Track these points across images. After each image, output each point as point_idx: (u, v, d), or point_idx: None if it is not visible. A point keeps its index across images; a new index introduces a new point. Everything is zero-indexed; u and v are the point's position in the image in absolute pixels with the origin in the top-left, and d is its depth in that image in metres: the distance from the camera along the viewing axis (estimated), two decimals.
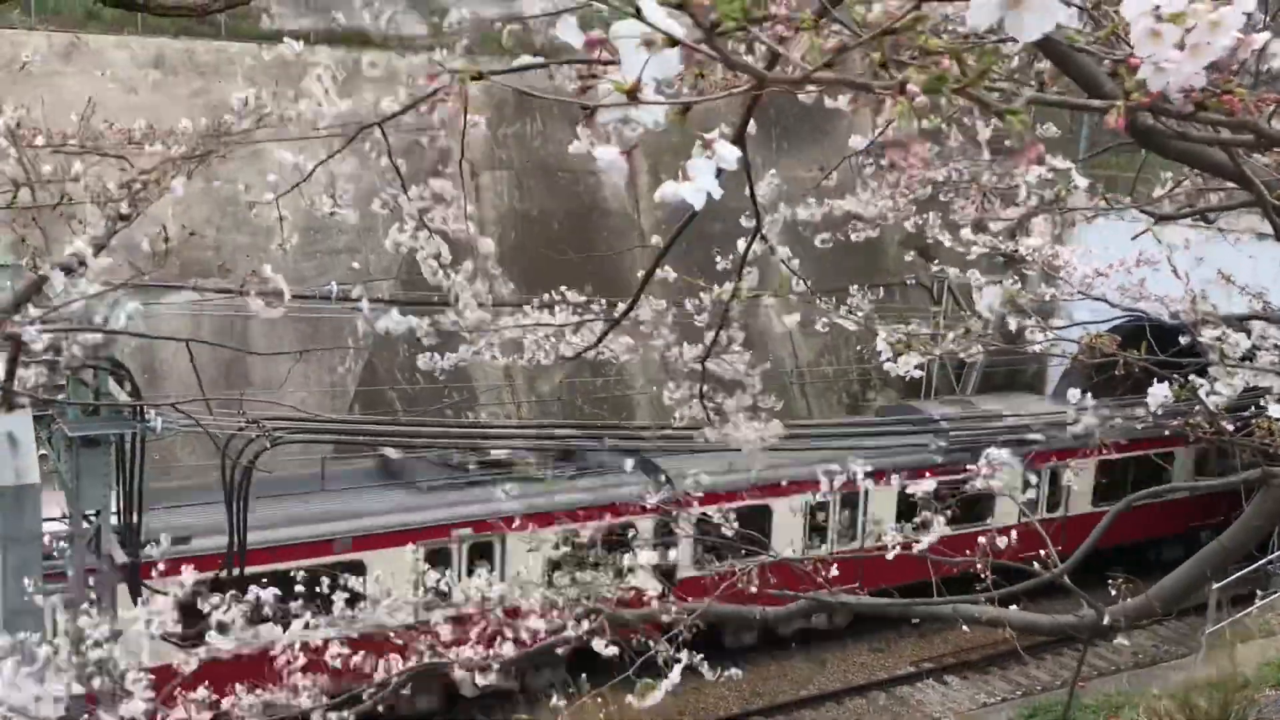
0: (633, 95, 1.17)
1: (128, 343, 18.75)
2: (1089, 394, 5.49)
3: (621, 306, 5.59)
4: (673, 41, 1.13)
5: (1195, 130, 1.78)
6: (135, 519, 12.58)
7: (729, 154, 1.26)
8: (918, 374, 7.12)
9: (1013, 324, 6.53)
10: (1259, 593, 17.52)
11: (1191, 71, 1.24)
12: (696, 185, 1.26)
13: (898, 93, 1.23)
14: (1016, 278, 8.22)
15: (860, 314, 7.20)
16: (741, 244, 7.65)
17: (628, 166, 1.30)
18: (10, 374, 10.85)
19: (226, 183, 20.49)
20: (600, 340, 5.92)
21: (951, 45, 1.30)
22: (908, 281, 23.50)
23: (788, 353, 24.85)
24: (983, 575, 5.27)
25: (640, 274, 4.69)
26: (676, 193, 1.26)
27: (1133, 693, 11.81)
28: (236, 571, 13.22)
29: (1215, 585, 16.28)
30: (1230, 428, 4.93)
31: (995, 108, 1.33)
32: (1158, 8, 1.20)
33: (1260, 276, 8.58)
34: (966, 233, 7.07)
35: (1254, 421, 4.71)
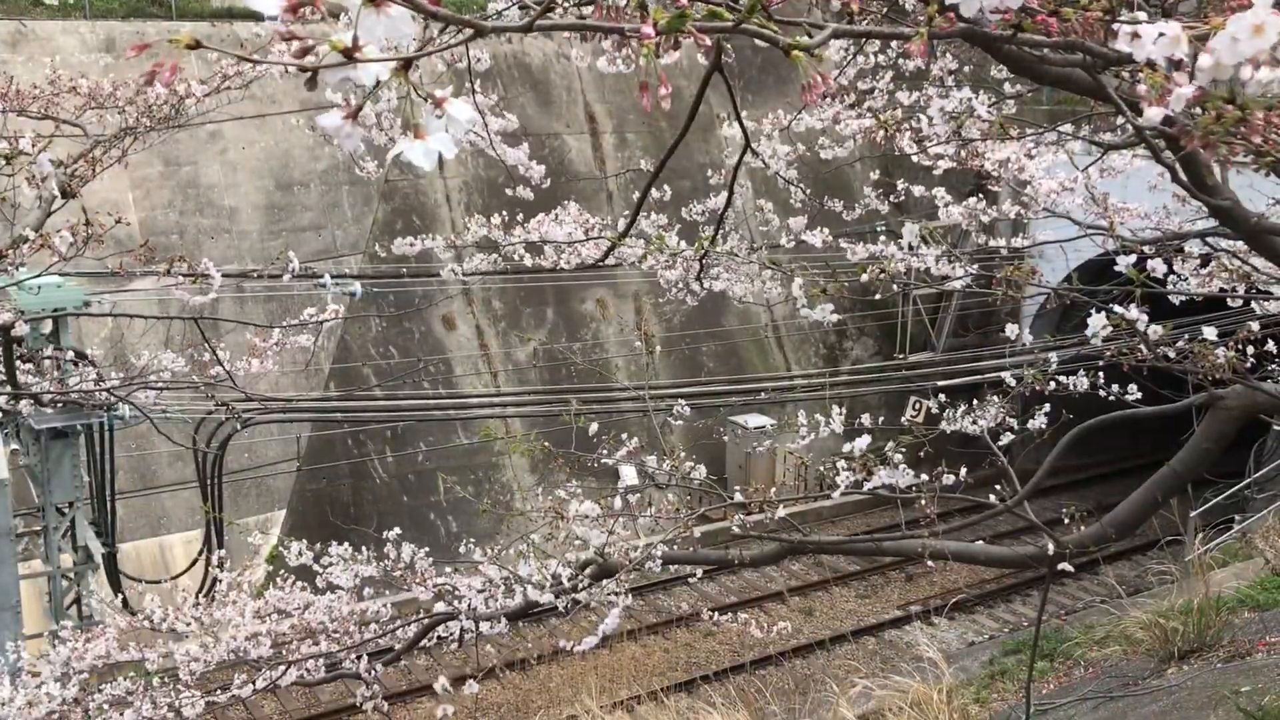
0: (350, 55, 1.15)
1: (97, 331, 18.63)
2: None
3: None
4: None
5: (1054, 55, 1.76)
6: (109, 509, 12.55)
7: (461, 114, 1.24)
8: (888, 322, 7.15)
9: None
10: (1236, 518, 17.69)
11: None
12: (428, 145, 1.24)
13: (639, 33, 1.22)
14: (982, 195, 8.27)
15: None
16: (712, 202, 7.76)
17: (359, 131, 1.27)
18: (10, 369, 10.71)
19: (187, 165, 20.32)
20: (607, 254, 6.20)
21: None
22: (877, 228, 23.49)
23: (762, 306, 24.88)
24: (929, 513, 5.31)
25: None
26: (406, 154, 1.24)
27: (1111, 621, 11.94)
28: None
29: (1193, 513, 16.47)
30: (1171, 354, 4.97)
31: (781, 44, 1.31)
32: None
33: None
34: (934, 149, 6.96)
35: (1191, 346, 4.74)
